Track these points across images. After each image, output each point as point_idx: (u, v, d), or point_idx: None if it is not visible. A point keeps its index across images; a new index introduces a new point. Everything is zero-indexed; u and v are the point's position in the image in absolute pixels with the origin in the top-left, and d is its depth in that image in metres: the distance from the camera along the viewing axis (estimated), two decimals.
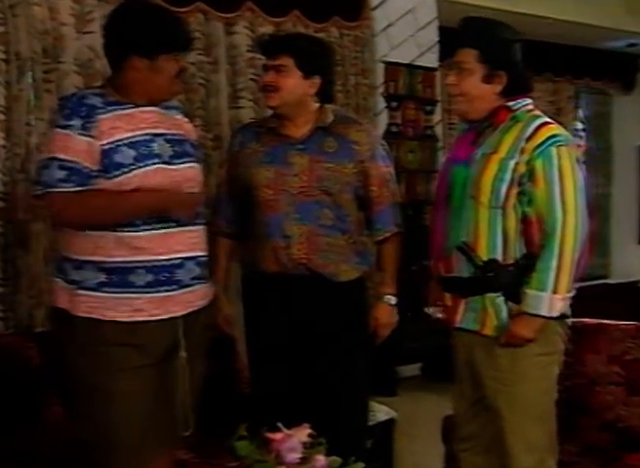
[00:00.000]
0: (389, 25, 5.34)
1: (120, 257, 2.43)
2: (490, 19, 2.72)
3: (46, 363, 3.05)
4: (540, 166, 2.54)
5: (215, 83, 4.25)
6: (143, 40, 2.47)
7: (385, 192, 3.12)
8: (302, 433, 2.14)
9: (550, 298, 2.51)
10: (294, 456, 2.09)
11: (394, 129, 5.46)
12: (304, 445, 2.12)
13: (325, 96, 3.09)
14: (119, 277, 2.43)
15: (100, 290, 2.43)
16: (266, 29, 4.38)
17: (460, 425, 2.83)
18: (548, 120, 2.64)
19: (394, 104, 5.55)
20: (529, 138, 2.56)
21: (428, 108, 5.76)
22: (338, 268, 3.04)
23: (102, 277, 2.43)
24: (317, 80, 3.00)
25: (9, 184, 3.60)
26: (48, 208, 2.55)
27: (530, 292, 2.54)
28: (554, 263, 2.49)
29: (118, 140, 2.43)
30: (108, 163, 2.41)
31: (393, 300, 3.16)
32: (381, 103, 5.42)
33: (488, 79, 2.63)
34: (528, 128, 2.59)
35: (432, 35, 5.66)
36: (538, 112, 2.67)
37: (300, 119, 3.03)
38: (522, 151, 2.55)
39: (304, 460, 2.10)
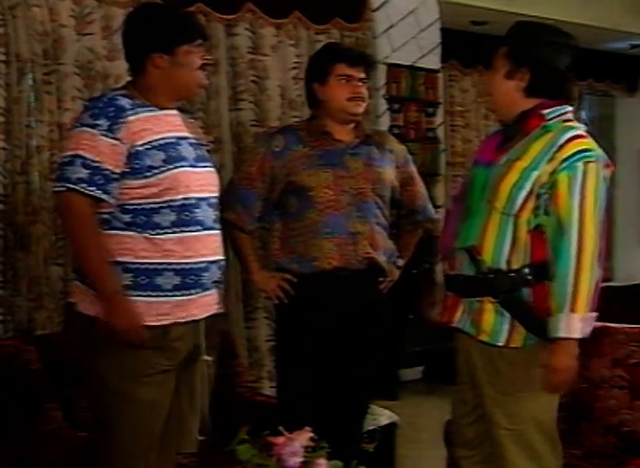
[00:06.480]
0: (391, 27, 5.33)
1: (150, 259, 2.42)
2: (536, 23, 2.69)
3: (46, 366, 3.04)
4: (565, 179, 2.43)
5: (215, 85, 4.23)
6: (159, 35, 2.52)
7: (423, 189, 3.44)
8: (304, 437, 2.12)
9: (568, 318, 2.40)
10: (295, 460, 2.07)
11: (396, 131, 5.41)
12: (306, 449, 2.10)
13: None
14: (146, 279, 2.42)
15: (126, 293, 2.41)
16: (266, 31, 4.37)
17: (460, 430, 2.76)
18: (582, 133, 2.51)
19: (396, 106, 5.53)
20: (558, 149, 2.46)
21: (430, 110, 5.75)
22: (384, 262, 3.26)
23: (128, 279, 2.41)
24: None
25: (9, 186, 3.59)
26: (60, 205, 2.50)
27: (550, 318, 2.43)
28: (570, 282, 2.39)
29: (148, 142, 2.44)
30: (138, 165, 2.42)
31: (401, 262, 3.39)
32: (383, 105, 5.41)
33: (510, 75, 2.56)
34: (559, 138, 2.47)
35: (434, 37, 5.65)
36: (573, 123, 2.56)
37: (351, 126, 3.20)
38: (548, 161, 2.45)
39: (306, 464, 2.08)
